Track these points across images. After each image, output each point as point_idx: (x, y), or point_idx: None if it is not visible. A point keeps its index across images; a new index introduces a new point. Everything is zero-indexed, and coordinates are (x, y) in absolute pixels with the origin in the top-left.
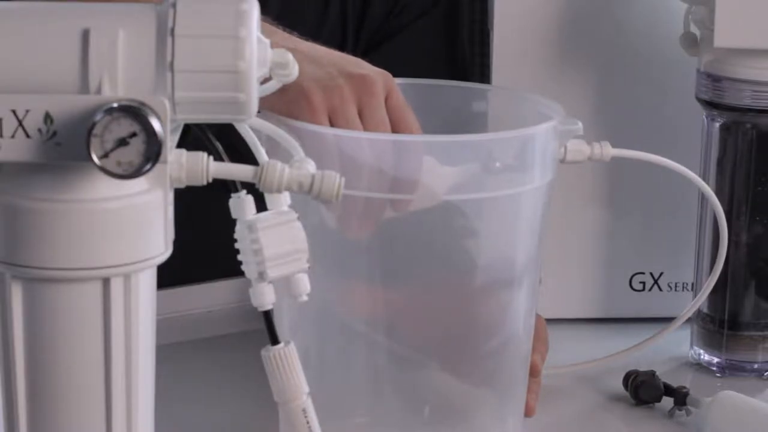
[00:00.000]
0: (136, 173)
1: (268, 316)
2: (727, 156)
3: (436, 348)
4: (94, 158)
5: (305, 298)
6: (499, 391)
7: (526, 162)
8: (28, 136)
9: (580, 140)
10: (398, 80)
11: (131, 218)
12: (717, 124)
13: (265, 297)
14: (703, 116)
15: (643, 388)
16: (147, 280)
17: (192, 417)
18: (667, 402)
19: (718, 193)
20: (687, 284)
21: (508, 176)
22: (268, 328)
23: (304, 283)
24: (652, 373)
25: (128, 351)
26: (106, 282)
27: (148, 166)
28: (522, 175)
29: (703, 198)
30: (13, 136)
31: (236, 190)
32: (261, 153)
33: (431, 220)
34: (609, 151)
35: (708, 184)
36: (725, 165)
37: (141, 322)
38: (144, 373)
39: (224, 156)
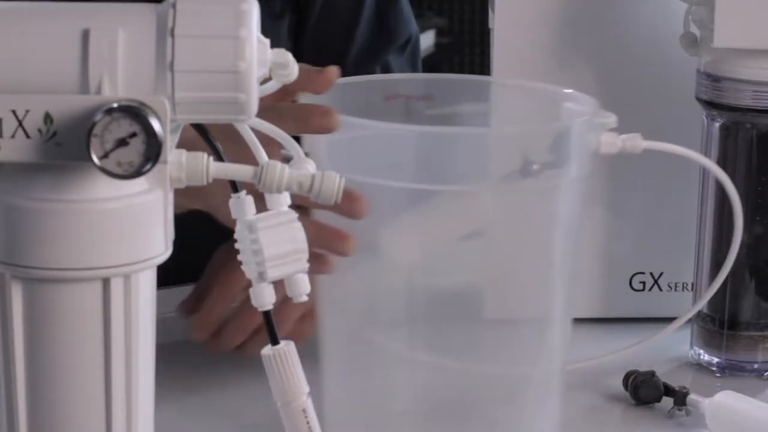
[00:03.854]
0: (136, 173)
1: (268, 316)
2: (727, 156)
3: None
4: (94, 158)
5: (305, 298)
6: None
7: (562, 156)
8: (28, 136)
9: (613, 133)
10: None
11: (131, 218)
12: (717, 125)
13: (265, 297)
14: (703, 116)
15: (642, 388)
16: (147, 280)
17: (191, 416)
18: (667, 402)
19: (718, 193)
20: (687, 284)
21: (546, 172)
22: (268, 328)
23: (305, 284)
24: (652, 373)
25: (128, 351)
26: (106, 282)
27: (148, 167)
28: (558, 169)
29: (703, 197)
30: (13, 136)
31: (236, 191)
32: (261, 153)
33: None
34: (640, 143)
35: (708, 183)
36: (725, 165)
37: (141, 322)
38: (144, 373)
39: (224, 156)
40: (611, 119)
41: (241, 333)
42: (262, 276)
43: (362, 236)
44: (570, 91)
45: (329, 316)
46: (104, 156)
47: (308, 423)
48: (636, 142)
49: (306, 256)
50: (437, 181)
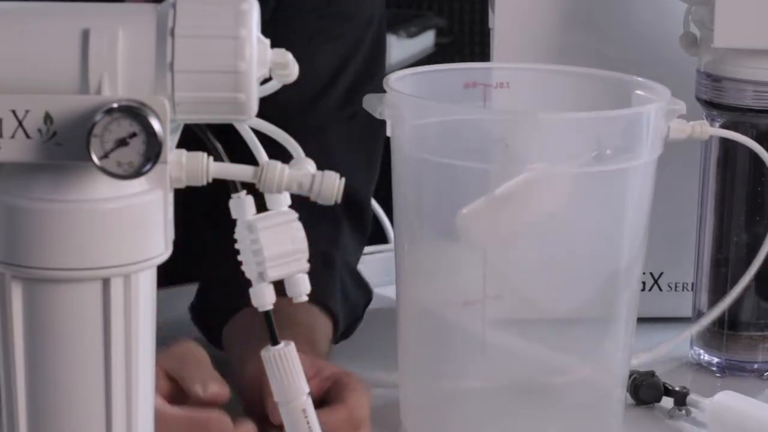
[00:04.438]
0: (136, 173)
1: (268, 316)
2: (727, 156)
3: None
4: (94, 158)
5: (305, 297)
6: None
7: (634, 141)
8: (28, 136)
9: (682, 119)
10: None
11: (131, 218)
12: (717, 124)
13: (265, 297)
14: (703, 116)
15: (643, 388)
16: (147, 280)
17: None
18: (667, 402)
19: (718, 193)
20: (687, 284)
21: (618, 157)
22: (268, 328)
23: (305, 283)
24: (652, 374)
25: (128, 351)
26: (106, 282)
27: (148, 167)
28: (630, 154)
29: (703, 198)
30: (13, 137)
31: (236, 191)
32: (261, 153)
33: None
34: (708, 129)
35: (708, 184)
36: (725, 165)
37: (141, 322)
38: (144, 372)
39: (224, 156)
40: (681, 106)
41: None
42: (262, 276)
43: (441, 217)
44: (641, 79)
45: (407, 297)
46: (104, 156)
47: (308, 423)
48: (704, 128)
49: (306, 255)
50: (515, 164)
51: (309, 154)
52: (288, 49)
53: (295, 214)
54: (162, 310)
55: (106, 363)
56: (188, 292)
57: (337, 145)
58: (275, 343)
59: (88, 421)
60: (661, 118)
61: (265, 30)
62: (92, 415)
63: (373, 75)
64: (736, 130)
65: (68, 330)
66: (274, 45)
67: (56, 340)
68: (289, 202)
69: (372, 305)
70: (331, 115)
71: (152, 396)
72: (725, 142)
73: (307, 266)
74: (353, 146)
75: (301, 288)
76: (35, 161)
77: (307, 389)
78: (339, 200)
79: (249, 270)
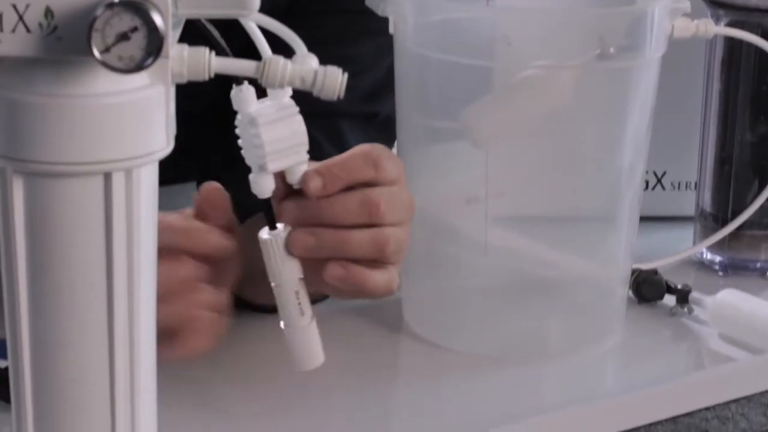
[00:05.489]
0: (137, 68)
1: (267, 203)
2: (732, 56)
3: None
4: (95, 53)
5: None
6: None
7: (638, 39)
8: (28, 30)
9: (687, 18)
10: None
11: (132, 113)
12: (722, 24)
13: (265, 186)
14: (708, 15)
15: (645, 286)
16: (149, 175)
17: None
18: (670, 300)
19: (722, 93)
20: (690, 183)
21: (622, 55)
22: (266, 214)
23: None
24: (655, 271)
25: (130, 246)
26: (107, 177)
27: (149, 61)
28: (634, 52)
29: (707, 97)
30: (13, 31)
31: (239, 83)
32: (265, 48)
33: None
34: (712, 28)
35: (712, 84)
36: (730, 65)
37: (143, 218)
38: (146, 269)
39: (228, 51)
40: (685, 4)
41: None
42: (262, 168)
43: (444, 116)
44: None
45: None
46: (105, 50)
47: (299, 304)
48: (709, 26)
49: (306, 147)
50: (518, 62)
51: (317, 137)
52: (327, 40)
53: (296, 107)
54: (163, 208)
55: (108, 258)
56: (190, 188)
57: (347, 136)
58: (273, 227)
59: (89, 315)
60: (665, 16)
61: (300, 25)
62: (94, 309)
63: None
64: (741, 29)
65: (70, 225)
66: (308, 41)
67: (58, 235)
68: (290, 93)
69: None
70: (349, 106)
71: (154, 291)
72: (730, 42)
73: (306, 158)
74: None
75: (300, 177)
76: (36, 56)
77: (300, 274)
78: (342, 96)
79: (250, 160)
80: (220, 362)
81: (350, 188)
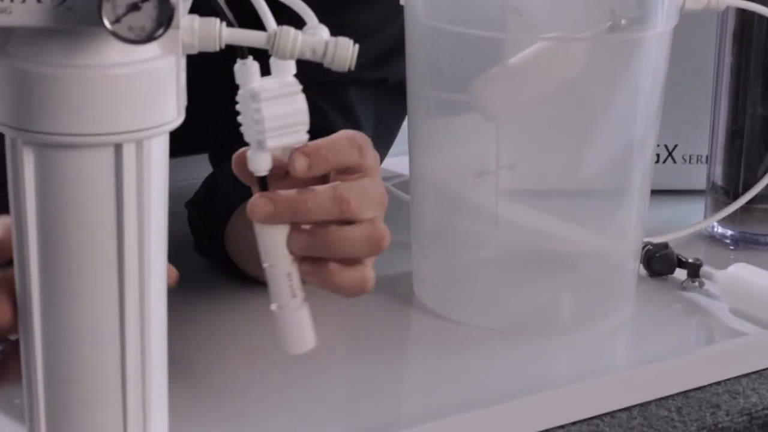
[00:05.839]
0: (147, 38)
1: (263, 181)
2: (744, 27)
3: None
4: (106, 23)
5: None
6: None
7: (650, 11)
8: (39, 0)
9: None
10: None
11: (143, 84)
12: None
13: (263, 164)
14: None
15: (656, 260)
16: (159, 146)
17: (202, 287)
18: (681, 274)
19: (734, 67)
20: (701, 157)
21: (633, 27)
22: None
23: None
24: (665, 245)
25: (141, 217)
26: (118, 148)
27: (160, 31)
28: (646, 24)
29: (719, 70)
30: (24, 1)
31: (243, 57)
32: (270, 20)
33: None
34: (724, 0)
35: (724, 56)
36: (741, 36)
37: (154, 189)
38: (156, 240)
39: (235, 24)
40: None
41: None
42: (261, 144)
43: (455, 88)
44: None
45: (420, 169)
46: (116, 21)
47: (291, 287)
48: None
49: (306, 127)
50: (529, 33)
51: (323, 106)
52: (327, 9)
53: (299, 85)
54: (174, 179)
55: (119, 229)
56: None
57: (354, 104)
58: None
59: (100, 286)
60: None
61: None
62: (104, 280)
63: None
64: (753, 1)
65: (80, 196)
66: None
67: (68, 207)
68: (294, 71)
69: (385, 175)
70: (356, 73)
71: (165, 262)
72: (742, 14)
73: (306, 137)
74: (369, 109)
75: None
76: (46, 26)
77: (291, 257)
78: (353, 67)
79: (248, 135)
80: (230, 343)
81: (325, 179)
